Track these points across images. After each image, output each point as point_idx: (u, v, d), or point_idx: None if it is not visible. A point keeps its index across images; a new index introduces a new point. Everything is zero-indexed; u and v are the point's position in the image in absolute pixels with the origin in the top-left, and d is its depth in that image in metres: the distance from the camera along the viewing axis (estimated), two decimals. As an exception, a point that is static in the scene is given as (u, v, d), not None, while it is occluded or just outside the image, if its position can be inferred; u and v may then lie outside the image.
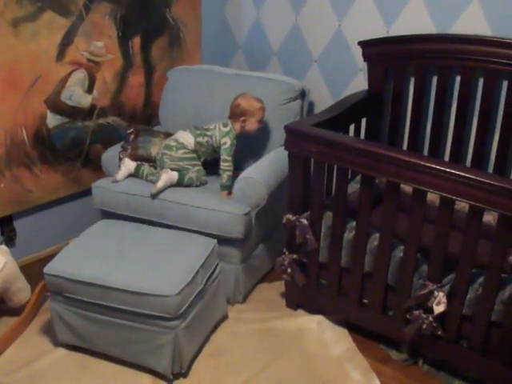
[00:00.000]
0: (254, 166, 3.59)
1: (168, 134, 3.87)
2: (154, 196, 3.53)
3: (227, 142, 3.62)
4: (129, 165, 3.67)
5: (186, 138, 3.65)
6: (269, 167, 3.59)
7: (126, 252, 3.15)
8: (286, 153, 3.22)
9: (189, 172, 3.61)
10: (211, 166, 3.76)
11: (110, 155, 3.86)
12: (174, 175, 3.58)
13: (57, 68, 3.68)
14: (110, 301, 2.97)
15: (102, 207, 3.73)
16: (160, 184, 3.51)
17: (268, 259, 3.86)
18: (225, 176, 3.60)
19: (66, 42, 3.67)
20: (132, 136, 3.82)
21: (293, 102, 3.87)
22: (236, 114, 3.65)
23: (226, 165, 3.61)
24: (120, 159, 3.77)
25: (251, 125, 3.66)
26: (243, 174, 3.50)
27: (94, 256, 3.11)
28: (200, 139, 3.64)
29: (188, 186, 3.61)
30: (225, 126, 3.66)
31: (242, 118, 3.63)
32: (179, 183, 3.58)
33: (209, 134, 3.65)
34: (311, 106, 4.11)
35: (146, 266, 3.04)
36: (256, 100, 3.66)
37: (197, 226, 3.46)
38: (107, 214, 3.71)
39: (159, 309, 2.90)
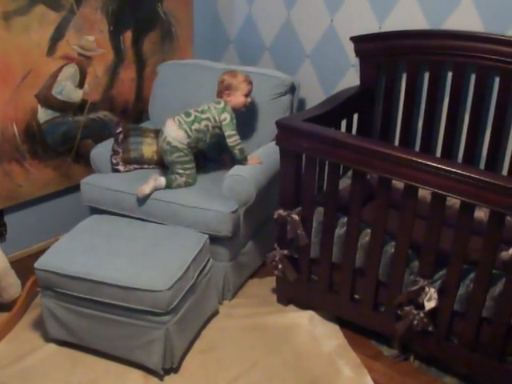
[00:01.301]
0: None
1: (158, 132, 3.84)
2: (141, 200, 3.53)
3: (227, 118, 3.55)
4: (158, 179, 3.58)
5: (176, 137, 3.53)
6: (258, 164, 3.57)
7: (116, 247, 3.14)
8: (276, 148, 3.21)
9: (177, 179, 3.57)
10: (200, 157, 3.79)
11: (99, 152, 3.85)
12: (162, 182, 3.54)
13: (48, 62, 3.67)
14: (100, 296, 2.96)
15: (90, 204, 3.72)
16: (147, 190, 3.48)
17: (257, 256, 3.86)
18: (236, 152, 3.57)
19: (57, 36, 3.65)
20: (121, 136, 3.79)
21: (283, 96, 3.86)
22: (221, 89, 3.62)
23: (232, 140, 3.55)
24: (112, 164, 3.77)
25: (236, 99, 3.59)
26: (232, 171, 3.48)
27: (85, 251, 3.10)
28: (196, 126, 3.56)
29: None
30: (218, 103, 3.60)
31: (227, 92, 3.59)
32: (167, 188, 3.56)
33: (205, 116, 3.57)
34: (303, 101, 4.10)
35: (137, 261, 3.03)
36: (240, 74, 3.63)
37: (184, 225, 3.44)
38: (97, 211, 3.70)
39: (150, 304, 2.90)
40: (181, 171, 3.58)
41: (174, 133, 3.54)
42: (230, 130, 3.55)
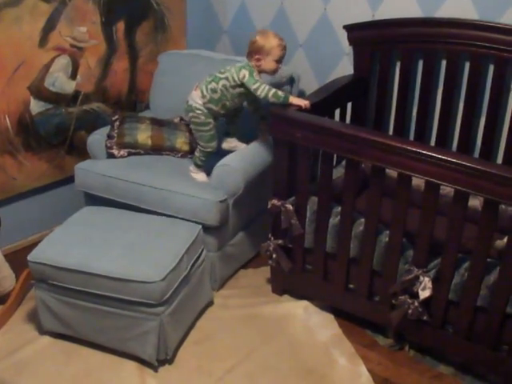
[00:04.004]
0: (234, 154, 3.55)
1: (154, 120, 3.89)
2: (131, 186, 3.59)
3: (245, 74, 3.30)
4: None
5: (192, 95, 3.49)
6: (248, 155, 3.54)
7: (110, 238, 3.13)
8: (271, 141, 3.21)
9: (195, 155, 3.61)
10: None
11: (95, 138, 3.87)
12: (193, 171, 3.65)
13: (40, 54, 3.64)
14: (94, 288, 2.95)
15: (83, 189, 3.75)
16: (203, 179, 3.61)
17: (248, 248, 3.84)
18: (272, 100, 3.24)
19: (49, 27, 3.63)
20: (117, 123, 3.81)
21: (281, 88, 3.81)
22: (251, 51, 3.35)
23: (259, 92, 3.26)
24: (107, 147, 3.79)
25: (267, 65, 3.33)
26: (221, 161, 3.47)
27: (78, 243, 3.09)
28: (213, 85, 3.42)
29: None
30: (239, 62, 3.44)
31: (256, 57, 3.32)
32: (197, 166, 3.63)
33: (223, 76, 3.39)
34: (296, 91, 4.08)
35: (131, 253, 3.03)
36: (275, 37, 3.34)
37: (173, 211, 3.46)
38: (90, 199, 3.74)
39: (144, 295, 2.89)
40: (194, 131, 3.58)
41: (192, 92, 3.51)
42: (252, 84, 3.29)
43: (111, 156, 3.80)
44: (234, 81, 3.37)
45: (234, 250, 3.69)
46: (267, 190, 3.42)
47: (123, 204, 3.57)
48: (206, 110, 3.48)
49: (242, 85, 3.36)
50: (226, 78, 3.39)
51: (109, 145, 3.78)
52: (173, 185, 3.49)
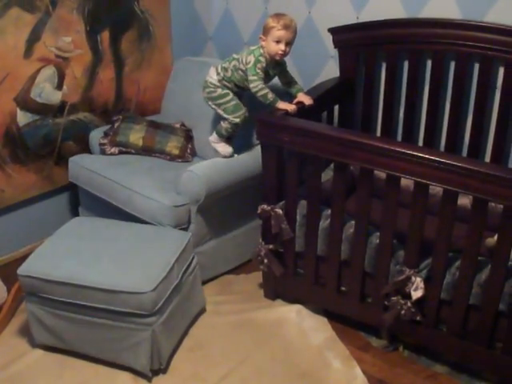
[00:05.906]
0: (206, 161, 3.57)
1: (151, 122, 4.00)
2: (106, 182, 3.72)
3: (250, 61, 3.27)
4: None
5: (210, 73, 3.49)
6: (220, 165, 3.52)
7: (99, 249, 3.12)
8: (253, 154, 3.21)
9: (221, 125, 3.53)
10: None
11: (95, 135, 4.05)
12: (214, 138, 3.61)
13: (25, 65, 3.63)
14: (85, 300, 2.94)
15: (74, 181, 3.92)
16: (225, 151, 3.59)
17: (221, 257, 3.78)
18: (260, 99, 3.26)
19: (34, 38, 3.62)
20: (117, 123, 3.94)
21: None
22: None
23: (252, 86, 3.26)
24: (99, 144, 3.92)
25: (268, 45, 3.24)
26: (189, 168, 3.46)
27: (68, 255, 3.07)
28: (226, 64, 3.42)
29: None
30: (255, 45, 3.40)
31: (261, 36, 3.28)
32: (219, 135, 3.57)
33: (237, 56, 3.38)
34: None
35: (121, 263, 3.01)
36: (277, 16, 3.24)
37: (136, 212, 3.55)
38: (83, 194, 3.90)
39: (135, 306, 2.88)
40: (214, 106, 3.52)
41: (210, 69, 3.51)
42: (250, 74, 3.27)
43: (102, 152, 3.92)
44: (242, 63, 3.35)
45: (202, 258, 3.56)
46: (249, 201, 3.50)
47: (101, 199, 3.70)
48: (220, 85, 3.48)
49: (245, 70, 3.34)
50: (237, 60, 3.38)
51: (101, 141, 3.92)
52: (138, 186, 3.55)
